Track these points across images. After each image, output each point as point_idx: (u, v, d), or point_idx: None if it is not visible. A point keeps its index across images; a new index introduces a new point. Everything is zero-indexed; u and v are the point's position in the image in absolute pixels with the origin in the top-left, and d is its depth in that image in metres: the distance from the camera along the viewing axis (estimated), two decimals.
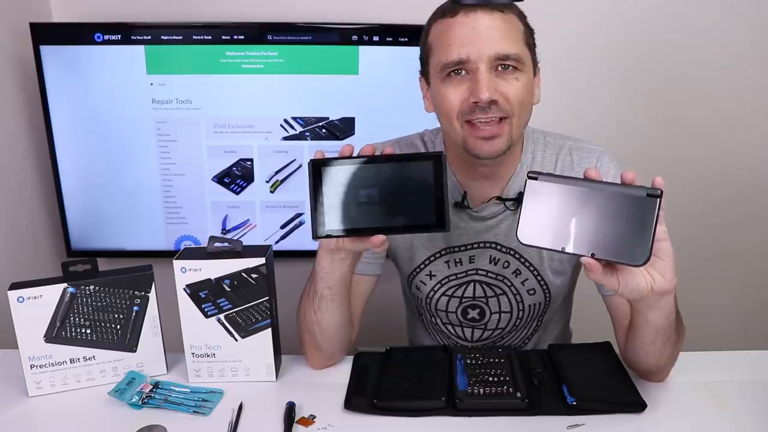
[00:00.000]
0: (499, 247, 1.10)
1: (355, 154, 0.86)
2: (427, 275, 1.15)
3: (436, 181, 0.83)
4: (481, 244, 1.11)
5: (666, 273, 0.80)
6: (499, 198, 1.08)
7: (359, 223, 0.85)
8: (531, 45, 1.00)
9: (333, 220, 0.84)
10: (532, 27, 1.01)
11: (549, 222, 0.79)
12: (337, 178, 0.84)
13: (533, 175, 0.80)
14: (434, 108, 1.04)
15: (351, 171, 0.84)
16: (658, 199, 0.75)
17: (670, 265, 0.80)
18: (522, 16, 1.00)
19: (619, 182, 0.78)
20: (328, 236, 0.85)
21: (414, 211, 0.84)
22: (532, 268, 1.11)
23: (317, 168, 0.84)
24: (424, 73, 1.05)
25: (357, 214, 0.84)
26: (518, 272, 1.12)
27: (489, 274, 1.12)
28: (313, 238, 0.86)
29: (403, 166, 0.85)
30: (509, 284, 1.13)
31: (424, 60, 1.04)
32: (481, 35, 0.94)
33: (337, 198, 0.84)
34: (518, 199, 1.07)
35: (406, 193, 0.84)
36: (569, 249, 0.78)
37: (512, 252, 1.10)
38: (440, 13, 1.00)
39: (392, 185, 0.84)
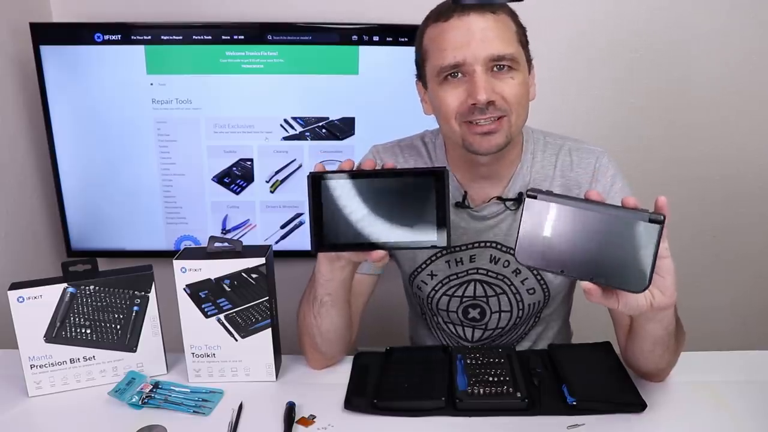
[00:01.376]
0: (499, 246, 1.11)
1: (355, 168, 0.86)
2: (428, 275, 1.15)
3: (439, 196, 0.82)
4: (482, 244, 1.11)
5: (666, 290, 0.79)
6: (499, 198, 1.08)
7: (359, 238, 0.84)
8: (524, 43, 1.01)
9: (333, 234, 0.84)
10: (525, 26, 1.02)
11: (547, 242, 0.78)
12: (338, 192, 0.83)
13: (532, 194, 0.78)
14: (433, 111, 1.05)
15: (352, 185, 0.83)
16: (660, 226, 0.73)
17: (671, 281, 0.79)
18: (514, 15, 1.00)
19: (620, 198, 0.77)
20: (329, 250, 0.85)
21: (415, 227, 0.83)
22: (531, 268, 1.11)
23: (317, 181, 0.83)
24: (421, 77, 1.06)
25: (357, 228, 0.84)
26: (518, 271, 1.12)
27: (489, 273, 1.13)
28: (312, 252, 0.86)
29: (405, 181, 0.84)
30: (509, 283, 1.13)
31: (420, 64, 1.04)
32: (475, 37, 0.95)
33: (337, 212, 0.83)
34: (518, 199, 1.07)
35: (408, 208, 0.83)
36: (568, 272, 0.77)
37: (512, 251, 1.10)
38: (433, 18, 1.00)
39: (393, 200, 0.83)
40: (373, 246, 0.84)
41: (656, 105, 1.78)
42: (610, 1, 1.71)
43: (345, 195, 0.83)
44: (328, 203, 0.83)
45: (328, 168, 0.85)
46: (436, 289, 1.15)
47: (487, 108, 0.95)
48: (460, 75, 0.97)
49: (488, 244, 1.11)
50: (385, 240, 0.84)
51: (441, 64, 0.97)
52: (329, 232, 0.84)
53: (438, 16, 0.98)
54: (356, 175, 0.84)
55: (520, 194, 1.07)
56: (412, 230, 0.83)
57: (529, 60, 1.02)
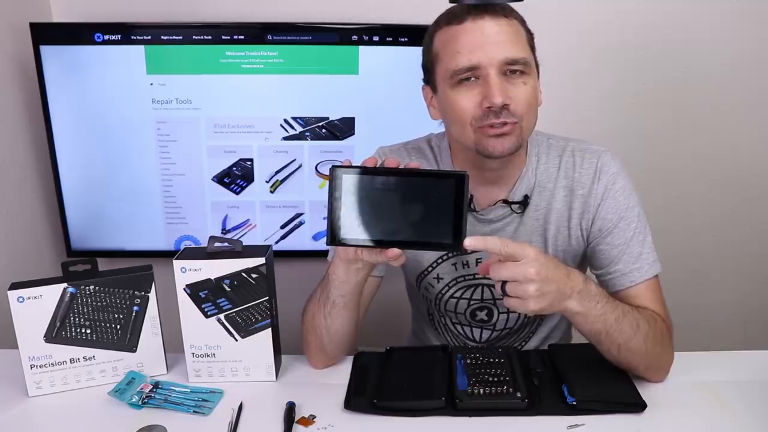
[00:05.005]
0: None
1: (378, 166, 0.86)
2: (434, 278, 1.15)
3: (457, 200, 0.82)
4: None
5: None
6: (505, 201, 1.08)
7: (375, 235, 0.84)
8: (533, 48, 1.01)
9: (350, 228, 0.83)
10: (532, 30, 1.02)
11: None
12: (358, 188, 0.83)
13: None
14: (442, 115, 1.04)
15: (373, 182, 0.83)
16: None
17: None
18: (523, 21, 1.00)
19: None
20: (343, 244, 0.85)
21: (431, 228, 0.83)
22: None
23: (339, 174, 0.83)
24: (429, 81, 1.05)
25: (374, 225, 0.84)
26: None
27: None
28: (327, 244, 0.85)
29: (426, 183, 0.84)
30: None
31: (429, 68, 1.03)
32: (490, 41, 0.95)
33: (356, 207, 0.83)
34: (524, 202, 1.07)
35: (426, 209, 0.83)
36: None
37: None
38: (445, 21, 0.99)
39: (412, 200, 0.83)
40: (388, 244, 0.84)
41: (658, 104, 1.78)
42: (612, 2, 1.71)
43: (365, 191, 0.83)
44: (348, 198, 0.83)
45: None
46: (443, 291, 1.15)
47: (501, 111, 0.95)
48: (473, 79, 0.96)
49: None
50: (401, 239, 0.84)
51: (455, 67, 0.96)
52: (346, 226, 0.83)
53: (450, 18, 0.98)
54: (377, 172, 0.84)
55: (526, 197, 1.07)
56: (428, 231, 0.83)
57: (537, 65, 1.02)
